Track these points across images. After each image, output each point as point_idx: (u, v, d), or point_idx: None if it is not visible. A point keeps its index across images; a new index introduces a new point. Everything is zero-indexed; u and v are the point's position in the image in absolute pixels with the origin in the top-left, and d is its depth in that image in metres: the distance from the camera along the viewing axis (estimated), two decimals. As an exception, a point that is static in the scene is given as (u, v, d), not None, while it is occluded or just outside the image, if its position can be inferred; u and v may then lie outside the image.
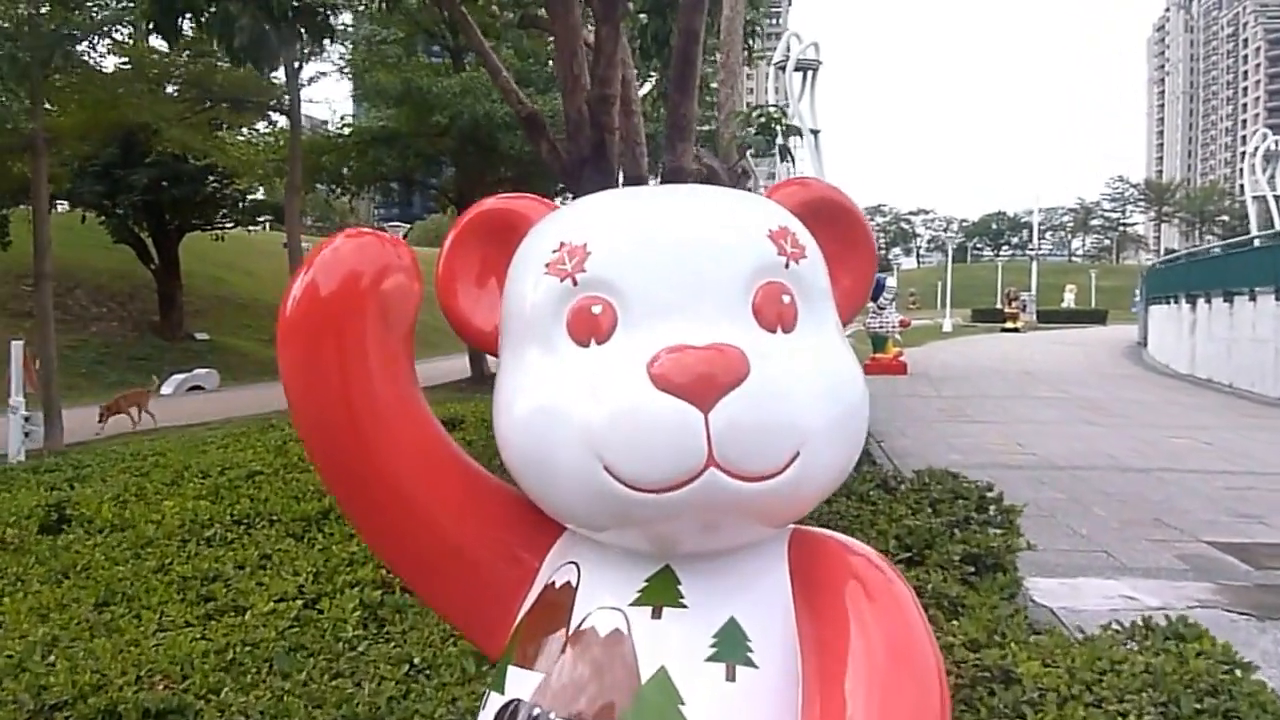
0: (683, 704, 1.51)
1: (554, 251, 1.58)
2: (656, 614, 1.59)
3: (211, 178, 31.83)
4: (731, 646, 1.56)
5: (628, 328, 1.52)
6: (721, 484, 1.43)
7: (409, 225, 42.16)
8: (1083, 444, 13.31)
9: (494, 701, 1.69)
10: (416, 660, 3.53)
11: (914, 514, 5.42)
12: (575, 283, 1.55)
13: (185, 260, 34.89)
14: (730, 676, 1.54)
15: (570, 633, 1.63)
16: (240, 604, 4.26)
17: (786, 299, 1.56)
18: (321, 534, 5.25)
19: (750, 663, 1.55)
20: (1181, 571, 7.00)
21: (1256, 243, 27.88)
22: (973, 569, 4.68)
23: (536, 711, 1.60)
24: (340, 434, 1.68)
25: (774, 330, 1.54)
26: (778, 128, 10.56)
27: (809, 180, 1.86)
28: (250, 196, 35.33)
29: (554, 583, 1.73)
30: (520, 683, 1.65)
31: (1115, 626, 3.75)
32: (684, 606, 1.59)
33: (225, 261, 39.99)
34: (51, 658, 3.72)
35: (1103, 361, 32.02)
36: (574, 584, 1.69)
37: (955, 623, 3.76)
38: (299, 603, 4.21)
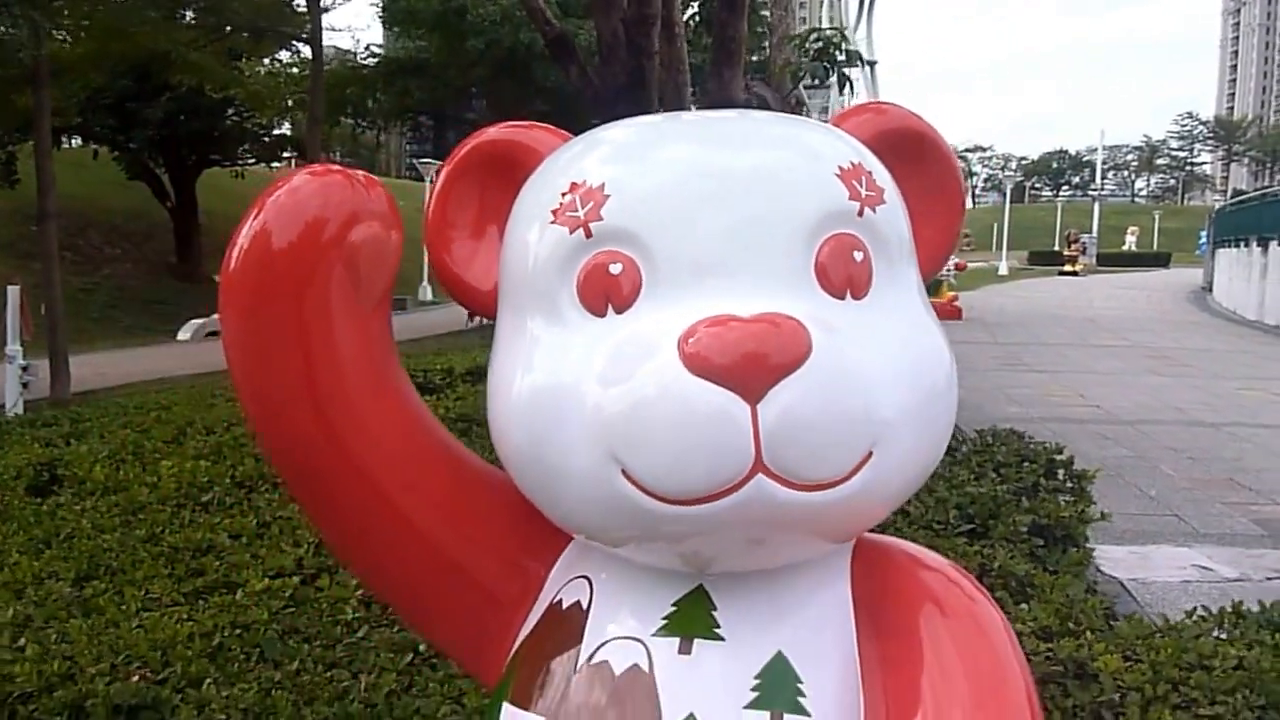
0: None
1: (563, 195, 1.29)
2: (685, 647, 1.33)
3: (230, 111, 31.62)
4: (778, 689, 1.29)
5: (655, 293, 1.24)
6: (771, 494, 1.16)
7: (441, 162, 41.91)
8: (1148, 396, 13.01)
9: (486, 745, 1.44)
10: (421, 647, 3.31)
11: (977, 479, 5.14)
12: (589, 234, 1.26)
13: (204, 198, 34.75)
14: None
15: (579, 667, 1.37)
16: (232, 580, 4.05)
17: (859, 256, 1.27)
18: (328, 498, 5.06)
19: (801, 709, 1.29)
20: (1258, 538, 6.70)
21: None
22: (1041, 542, 4.42)
23: (537, 766, 1.35)
24: (300, 425, 1.39)
25: (842, 296, 1.25)
26: (837, 53, 9.90)
27: (886, 106, 1.53)
28: (275, 131, 35.14)
29: (561, 601, 1.47)
30: (515, 725, 1.40)
31: (1201, 613, 3.48)
32: (720, 638, 1.33)
33: (247, 199, 38.94)
34: (21, 641, 3.53)
35: (1167, 307, 31.74)
36: (585, 605, 1.43)
37: (1024, 606, 3.51)
38: (296, 579, 3.99)
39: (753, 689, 1.29)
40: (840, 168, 1.30)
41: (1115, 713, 2.74)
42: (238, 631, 3.49)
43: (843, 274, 1.26)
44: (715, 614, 1.35)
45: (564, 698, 1.36)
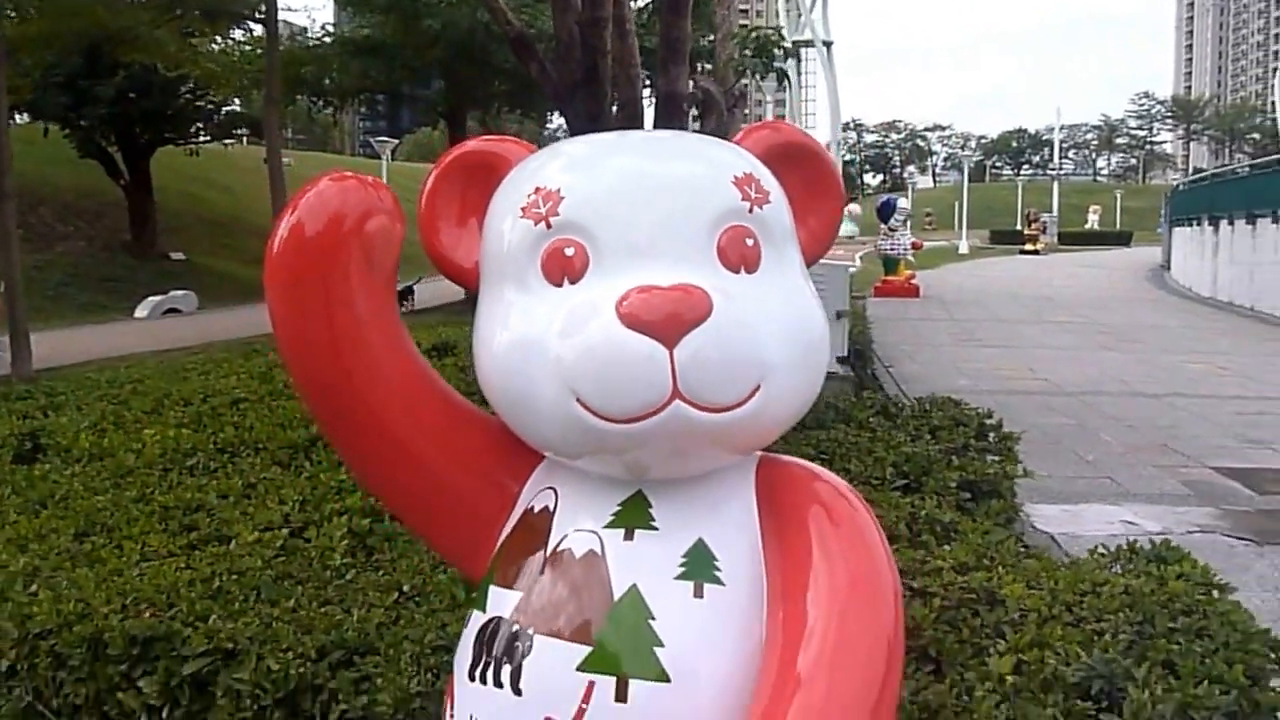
0: (653, 619, 1.68)
1: (529, 196, 1.72)
2: (629, 536, 1.75)
3: (184, 89, 31.63)
4: (699, 566, 1.72)
5: (599, 268, 1.65)
6: (686, 415, 1.58)
7: (396, 140, 41.88)
8: (1096, 370, 13.58)
9: (476, 619, 1.86)
10: (405, 588, 3.69)
11: (913, 441, 5.58)
12: (549, 226, 1.68)
13: (158, 175, 34.73)
14: (698, 594, 1.70)
15: (548, 554, 1.79)
16: (224, 534, 4.40)
17: (750, 242, 1.70)
18: (309, 461, 5.39)
19: (717, 581, 1.71)
20: (1184, 497, 7.26)
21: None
22: (969, 495, 4.86)
23: (516, 628, 1.76)
24: (327, 372, 1.83)
25: (737, 271, 1.68)
26: (774, 50, 10.66)
27: (780, 124, 1.99)
28: (226, 109, 35.17)
29: (533, 508, 1.89)
30: (501, 601, 1.81)
31: (1101, 550, 3.93)
32: (654, 529, 1.75)
33: (201, 177, 39.85)
34: (34, 587, 3.87)
35: (1124, 285, 32.45)
36: (552, 509, 1.85)
37: (946, 547, 3.93)
38: (285, 531, 4.35)
39: (680, 565, 1.72)
40: (735, 176, 1.74)
41: (1015, 629, 3.17)
42: (234, 576, 3.84)
43: (737, 255, 1.69)
44: (651, 511, 1.77)
45: (537, 577, 1.78)
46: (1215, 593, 3.45)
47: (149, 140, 34.28)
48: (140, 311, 26.20)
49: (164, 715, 3.35)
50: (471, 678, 1.81)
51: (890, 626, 1.67)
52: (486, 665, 1.79)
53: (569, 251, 1.67)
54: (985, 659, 3.02)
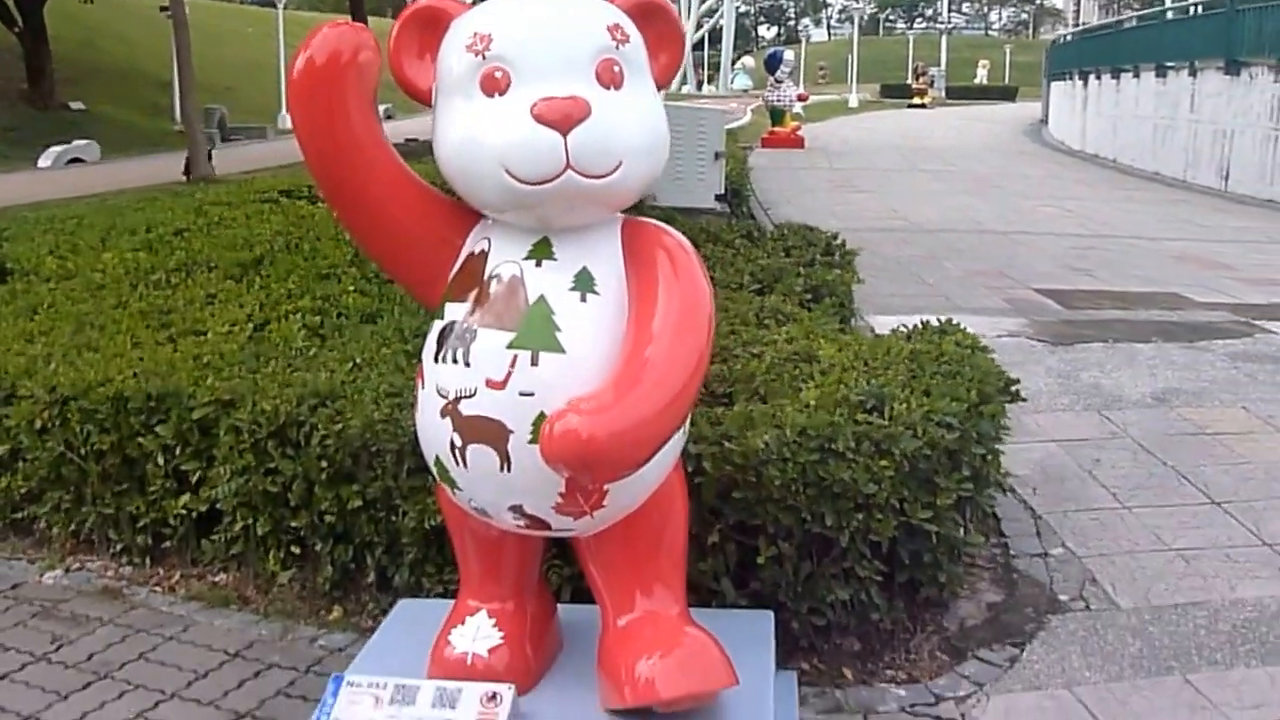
0: (554, 315, 2.62)
1: (470, 37, 2.60)
2: (538, 264, 2.69)
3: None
4: (584, 282, 2.67)
5: (518, 86, 2.53)
6: (575, 181, 2.50)
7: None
8: (956, 213, 14.68)
9: (437, 325, 2.79)
10: (358, 359, 4.55)
11: (769, 256, 6.58)
12: (484, 58, 2.56)
13: (52, 24, 33.85)
14: (583, 300, 2.65)
15: (485, 279, 2.73)
16: (198, 329, 5.20)
17: (617, 69, 2.59)
18: (260, 276, 6.17)
19: (595, 292, 2.66)
20: (1004, 310, 8.45)
21: (1169, 15, 29.01)
22: (811, 297, 5.89)
23: (466, 326, 2.70)
24: (331, 160, 2.71)
25: (609, 88, 2.57)
26: None
27: None
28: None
29: (474, 251, 2.81)
30: (455, 310, 2.74)
31: (901, 327, 5.00)
32: (555, 260, 2.69)
33: (95, 26, 38.85)
34: (54, 365, 4.72)
35: (1003, 138, 33.38)
36: (487, 250, 2.77)
37: (784, 329, 4.95)
38: (250, 326, 5.18)
39: (572, 281, 2.65)
40: (608, 25, 2.62)
41: (823, 374, 4.21)
42: (218, 355, 4.71)
43: (609, 77, 2.56)
44: (553, 249, 2.69)
45: (479, 291, 2.72)
46: (976, 351, 4.54)
47: (41, -14, 33.31)
48: (44, 161, 26.04)
49: (176, 453, 4.29)
50: (436, 360, 2.75)
51: (705, 334, 2.62)
52: (446, 350, 2.72)
53: (498, 74, 2.53)
54: (799, 394, 4.05)
